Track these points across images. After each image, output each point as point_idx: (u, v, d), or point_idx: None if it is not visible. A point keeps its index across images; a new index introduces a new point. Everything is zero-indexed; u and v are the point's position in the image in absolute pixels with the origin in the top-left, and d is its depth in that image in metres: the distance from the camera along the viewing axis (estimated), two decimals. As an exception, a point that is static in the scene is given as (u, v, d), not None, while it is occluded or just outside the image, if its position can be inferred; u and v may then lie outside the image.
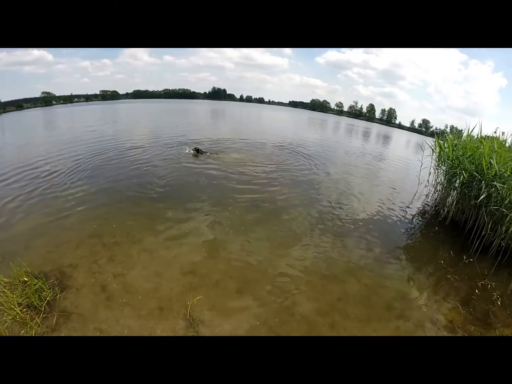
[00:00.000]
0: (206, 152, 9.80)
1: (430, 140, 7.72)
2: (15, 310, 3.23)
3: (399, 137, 37.01)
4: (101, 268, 3.93)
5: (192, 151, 9.71)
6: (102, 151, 9.88)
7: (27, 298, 3.40)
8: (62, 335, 3.03)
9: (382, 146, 21.30)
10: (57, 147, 10.56)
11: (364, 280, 4.07)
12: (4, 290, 3.50)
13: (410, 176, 10.25)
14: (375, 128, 46.87)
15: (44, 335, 3.01)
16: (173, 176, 7.55)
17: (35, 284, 3.55)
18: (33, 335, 2.94)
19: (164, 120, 22.18)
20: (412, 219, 6.23)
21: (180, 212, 5.53)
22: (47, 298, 3.40)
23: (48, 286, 3.58)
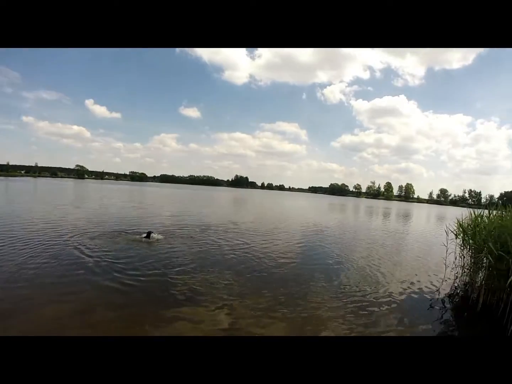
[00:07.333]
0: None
1: (450, 210, 6.50)
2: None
3: (419, 212, 35.55)
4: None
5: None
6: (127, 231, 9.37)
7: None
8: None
9: (403, 224, 20.78)
10: (88, 222, 10.63)
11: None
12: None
13: (434, 253, 9.36)
14: (395, 205, 43.91)
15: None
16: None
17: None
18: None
19: (186, 207, 21.63)
20: (441, 306, 5.19)
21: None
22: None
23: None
